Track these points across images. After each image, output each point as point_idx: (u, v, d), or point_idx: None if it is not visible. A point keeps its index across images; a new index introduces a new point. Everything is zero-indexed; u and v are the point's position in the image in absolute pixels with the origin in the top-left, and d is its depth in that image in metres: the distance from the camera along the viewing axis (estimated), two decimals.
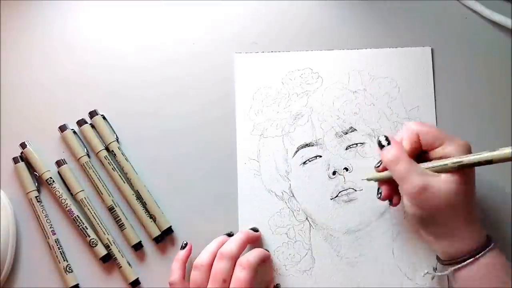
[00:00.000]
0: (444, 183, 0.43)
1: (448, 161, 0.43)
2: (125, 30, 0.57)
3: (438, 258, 0.47)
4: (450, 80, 0.55)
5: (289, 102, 0.55)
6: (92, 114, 0.55)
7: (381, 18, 0.56)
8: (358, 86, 0.55)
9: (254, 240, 0.52)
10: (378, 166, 0.49)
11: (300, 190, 0.53)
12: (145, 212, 0.53)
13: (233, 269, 0.48)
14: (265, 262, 0.51)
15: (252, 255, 0.49)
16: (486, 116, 0.54)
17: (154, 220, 0.53)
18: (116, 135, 0.55)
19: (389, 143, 0.46)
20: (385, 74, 0.55)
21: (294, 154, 0.54)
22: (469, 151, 0.44)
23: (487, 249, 0.43)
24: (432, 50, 0.55)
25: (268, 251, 0.52)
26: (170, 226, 0.53)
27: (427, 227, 0.45)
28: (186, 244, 0.52)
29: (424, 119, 0.54)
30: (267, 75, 0.55)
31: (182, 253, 0.52)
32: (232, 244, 0.49)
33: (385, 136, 0.47)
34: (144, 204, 0.53)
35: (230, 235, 0.52)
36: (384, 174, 0.48)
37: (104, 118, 0.55)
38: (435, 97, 0.54)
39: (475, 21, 0.56)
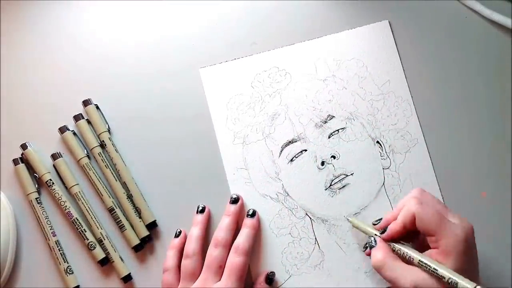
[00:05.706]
0: (436, 282, 0.42)
1: (423, 259, 0.43)
2: (125, 30, 0.57)
3: None
4: (448, 78, 0.55)
5: (263, 104, 0.55)
6: (86, 103, 0.55)
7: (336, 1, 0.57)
8: (327, 74, 0.55)
9: (240, 212, 0.52)
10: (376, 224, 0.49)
11: (294, 187, 0.53)
12: (135, 213, 0.53)
13: (227, 255, 0.49)
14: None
15: (246, 241, 0.50)
16: (486, 118, 0.54)
17: (139, 214, 0.53)
18: (108, 126, 0.55)
19: (376, 242, 0.46)
20: (350, 56, 0.55)
21: (280, 153, 0.54)
22: (462, 246, 0.42)
23: None
24: (389, 23, 0.56)
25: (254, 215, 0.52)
26: (155, 221, 0.53)
27: None
28: (180, 232, 0.52)
29: (398, 91, 0.54)
30: (235, 82, 0.55)
31: (177, 241, 0.52)
32: (225, 233, 0.50)
33: (373, 238, 0.47)
34: (130, 197, 0.53)
35: (202, 211, 0.52)
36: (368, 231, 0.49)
37: (97, 108, 0.55)
38: (403, 69, 0.55)
39: (475, 21, 0.56)
